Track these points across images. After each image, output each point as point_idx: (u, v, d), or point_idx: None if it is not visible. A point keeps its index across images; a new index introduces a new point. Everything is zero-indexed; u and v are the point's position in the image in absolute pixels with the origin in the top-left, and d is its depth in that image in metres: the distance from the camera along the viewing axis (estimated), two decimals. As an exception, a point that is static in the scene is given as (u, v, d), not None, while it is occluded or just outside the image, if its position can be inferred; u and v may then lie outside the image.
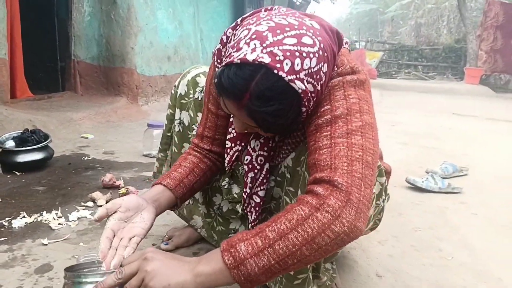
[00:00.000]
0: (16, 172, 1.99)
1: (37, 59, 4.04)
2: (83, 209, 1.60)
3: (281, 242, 0.69)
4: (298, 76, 0.72)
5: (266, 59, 0.70)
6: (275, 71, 0.70)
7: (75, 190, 1.82)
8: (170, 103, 1.31)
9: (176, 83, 1.30)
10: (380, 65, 14.12)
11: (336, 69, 0.82)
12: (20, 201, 1.67)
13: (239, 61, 0.72)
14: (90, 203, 1.66)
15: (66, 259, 1.24)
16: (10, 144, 2.10)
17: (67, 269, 0.83)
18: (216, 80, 0.77)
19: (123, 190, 1.70)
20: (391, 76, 13.79)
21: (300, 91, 0.73)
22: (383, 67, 14.68)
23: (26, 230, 1.42)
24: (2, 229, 1.42)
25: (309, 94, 0.75)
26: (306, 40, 0.73)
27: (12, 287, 1.09)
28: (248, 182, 1.02)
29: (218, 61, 0.96)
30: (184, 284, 0.71)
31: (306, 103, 0.76)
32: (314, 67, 0.73)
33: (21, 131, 2.17)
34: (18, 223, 1.45)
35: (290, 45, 0.71)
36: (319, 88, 0.77)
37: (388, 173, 1.08)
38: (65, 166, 2.17)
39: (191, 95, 1.25)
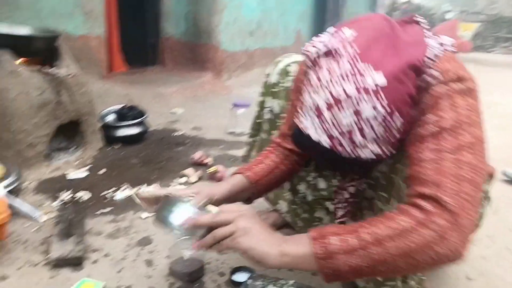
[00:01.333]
0: (115, 146, 2.15)
1: (131, 35, 4.27)
2: (178, 185, 1.69)
3: (377, 248, 0.67)
4: (363, 149, 0.75)
5: (326, 142, 0.75)
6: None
7: (169, 165, 1.93)
8: (262, 90, 1.33)
9: (268, 71, 1.31)
10: (474, 37, 12.87)
11: (439, 76, 0.75)
12: (121, 173, 1.81)
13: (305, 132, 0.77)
14: (183, 179, 1.75)
15: (163, 234, 1.32)
16: (111, 118, 2.28)
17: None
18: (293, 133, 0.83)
19: (213, 169, 1.75)
20: (486, 50, 12.52)
21: (373, 157, 0.76)
22: (478, 40, 13.32)
23: (127, 202, 1.54)
24: (106, 200, 1.55)
25: (384, 150, 0.77)
26: (367, 111, 0.71)
27: (119, 257, 1.19)
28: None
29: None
30: (268, 256, 0.72)
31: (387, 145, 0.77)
32: (383, 132, 0.74)
33: (120, 106, 2.33)
34: (120, 195, 1.58)
35: (347, 124, 0.73)
36: (396, 129, 0.75)
37: (491, 176, 1.00)
38: (158, 141, 2.31)
39: (282, 84, 1.26)
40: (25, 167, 1.69)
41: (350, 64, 0.72)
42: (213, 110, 3.17)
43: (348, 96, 0.71)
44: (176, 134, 2.47)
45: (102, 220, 1.40)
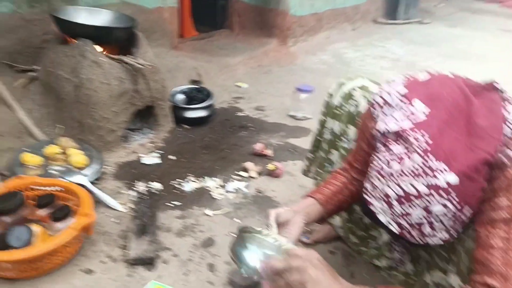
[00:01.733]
0: (184, 126, 2.29)
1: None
2: (238, 179, 1.80)
3: None
4: (432, 238, 0.78)
5: (396, 229, 0.79)
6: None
7: (232, 154, 2.04)
8: (323, 110, 1.36)
9: (331, 92, 1.33)
10: None
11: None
12: (188, 161, 1.95)
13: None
14: (244, 173, 1.86)
15: (224, 235, 1.46)
16: (180, 97, 2.41)
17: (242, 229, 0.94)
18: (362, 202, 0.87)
19: (272, 167, 1.84)
20: None
21: (441, 242, 0.79)
22: None
23: (194, 196, 1.68)
24: (176, 191, 1.71)
25: (452, 235, 0.79)
26: (437, 208, 0.73)
27: (185, 257, 1.35)
28: None
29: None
30: None
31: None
32: (453, 223, 0.76)
33: (189, 87, 2.44)
34: (188, 186, 1.73)
35: (417, 218, 0.75)
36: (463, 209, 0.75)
37: None
38: (223, 122, 2.41)
39: (344, 108, 1.28)
40: (106, 150, 1.88)
41: (422, 158, 0.72)
42: (277, 84, 3.18)
43: (419, 194, 0.73)
44: (239, 114, 2.55)
45: (172, 214, 1.55)
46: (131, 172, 1.81)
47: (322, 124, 1.37)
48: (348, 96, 1.27)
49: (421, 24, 5.64)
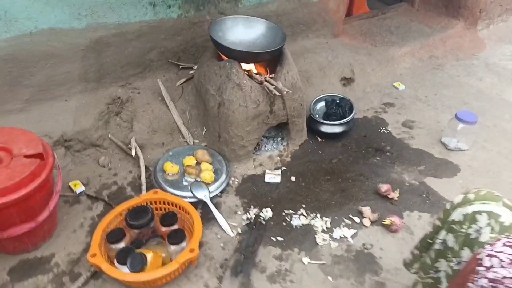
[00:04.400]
0: (318, 138, 2.28)
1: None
2: (348, 225, 1.77)
3: None
4: None
5: None
6: None
7: (354, 187, 1.98)
8: (440, 216, 1.21)
9: (456, 201, 1.17)
10: None
11: None
12: (306, 186, 1.97)
13: None
14: (357, 218, 1.81)
15: (312, 292, 1.51)
16: (320, 107, 2.38)
17: None
18: None
19: (388, 221, 1.73)
20: None
21: None
22: None
23: (299, 233, 1.74)
24: (284, 223, 1.79)
25: None
26: None
27: (268, 308, 1.46)
28: None
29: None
30: None
31: None
32: None
33: (331, 97, 2.38)
34: (296, 221, 1.79)
35: None
36: None
37: None
38: (360, 139, 2.30)
39: (464, 227, 1.11)
40: (236, 161, 2.05)
41: None
42: (442, 90, 2.81)
43: None
44: (382, 130, 2.39)
45: (271, 252, 1.65)
46: (252, 190, 1.94)
47: (436, 231, 1.24)
48: (472, 219, 1.10)
49: None
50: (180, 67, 2.32)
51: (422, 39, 3.26)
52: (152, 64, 2.25)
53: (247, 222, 1.78)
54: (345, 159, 2.16)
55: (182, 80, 2.27)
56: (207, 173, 1.87)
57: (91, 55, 2.04)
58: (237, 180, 1.99)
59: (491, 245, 0.96)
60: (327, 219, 1.80)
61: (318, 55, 2.69)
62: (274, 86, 1.90)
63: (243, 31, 2.08)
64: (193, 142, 2.16)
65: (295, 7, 2.57)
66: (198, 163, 1.96)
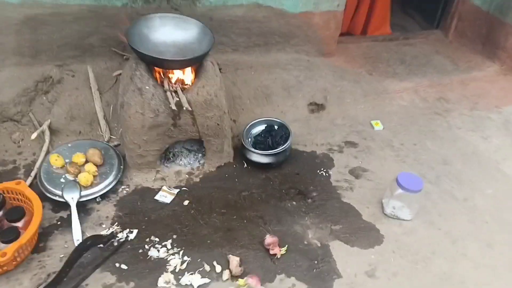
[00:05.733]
0: (245, 164, 2.06)
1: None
2: (205, 272, 1.55)
3: None
4: None
5: None
6: None
7: (245, 229, 1.73)
8: None
9: None
10: None
11: None
12: (193, 216, 1.77)
13: None
14: (219, 267, 1.58)
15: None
16: (261, 128, 2.14)
17: None
18: None
19: (242, 282, 1.49)
20: None
21: None
22: None
23: (148, 267, 1.55)
24: (140, 250, 1.62)
25: None
26: None
27: None
28: None
29: None
30: None
31: None
32: None
33: (269, 123, 2.13)
34: (153, 252, 1.61)
35: None
36: None
37: None
38: (289, 176, 2.03)
39: None
40: (136, 169, 1.91)
41: None
42: (430, 139, 2.38)
43: None
44: (321, 172, 2.08)
45: (105, 279, 1.49)
46: (135, 205, 1.80)
47: None
48: None
49: None
50: (124, 57, 2.22)
51: (436, 76, 2.82)
52: (94, 49, 2.18)
53: (106, 236, 1.65)
54: (257, 194, 1.92)
55: (118, 72, 2.16)
56: (84, 175, 1.76)
57: (26, 30, 2.01)
58: (126, 190, 1.86)
59: None
60: (187, 258, 1.60)
61: (287, 73, 2.43)
62: (175, 101, 1.72)
63: (173, 32, 1.89)
64: (110, 137, 2.06)
65: (267, 15, 2.32)
66: (87, 162, 1.85)
